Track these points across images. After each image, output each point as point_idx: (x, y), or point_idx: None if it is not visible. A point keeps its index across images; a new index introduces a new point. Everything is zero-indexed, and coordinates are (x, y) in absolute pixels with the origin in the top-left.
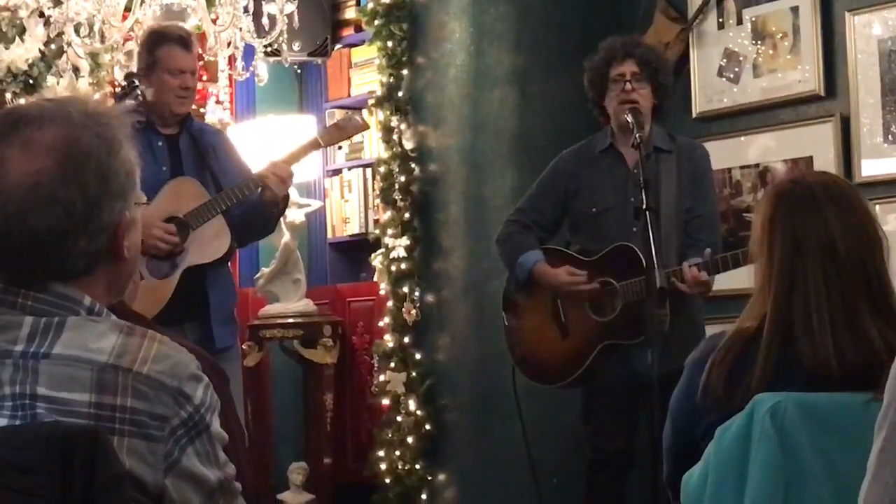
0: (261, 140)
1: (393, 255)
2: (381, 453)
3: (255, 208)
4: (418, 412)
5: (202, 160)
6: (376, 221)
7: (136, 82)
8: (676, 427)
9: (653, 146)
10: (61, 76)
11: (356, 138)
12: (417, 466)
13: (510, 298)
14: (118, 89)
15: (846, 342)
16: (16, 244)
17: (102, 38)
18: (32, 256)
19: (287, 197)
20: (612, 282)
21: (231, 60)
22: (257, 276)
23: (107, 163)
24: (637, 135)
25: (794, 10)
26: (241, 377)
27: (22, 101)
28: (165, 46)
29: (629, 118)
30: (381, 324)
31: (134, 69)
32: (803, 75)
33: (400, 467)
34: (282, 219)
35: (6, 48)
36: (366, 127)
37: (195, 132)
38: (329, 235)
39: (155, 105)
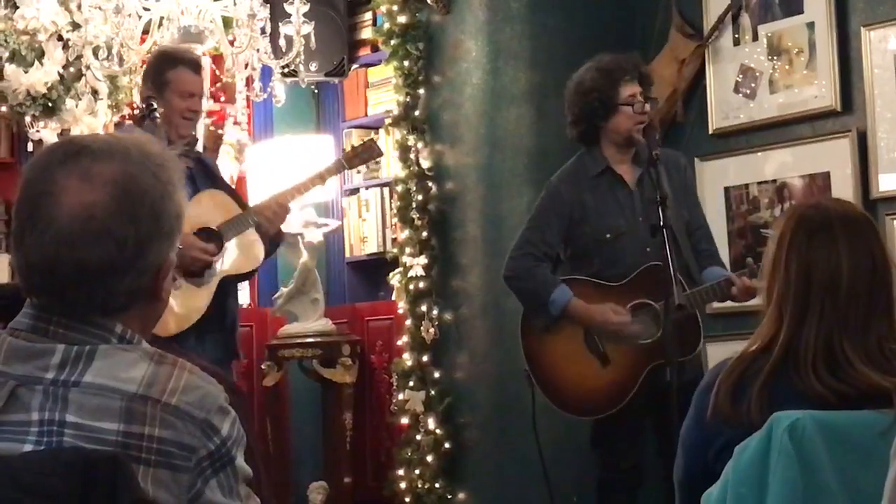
0: (279, 160)
1: (411, 273)
2: (401, 472)
3: None
4: (437, 430)
5: (213, 180)
6: (394, 240)
7: (155, 105)
8: (688, 457)
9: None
10: (80, 99)
11: None
12: (437, 485)
13: (533, 335)
14: (136, 112)
15: (828, 377)
16: (63, 273)
17: (121, 61)
18: (77, 288)
19: (280, 233)
20: (651, 303)
21: (249, 81)
22: (276, 295)
23: (161, 204)
24: (655, 153)
25: (810, 25)
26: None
27: (41, 124)
28: (178, 69)
29: (641, 137)
30: (399, 342)
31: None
32: (819, 91)
33: (419, 486)
34: (300, 238)
35: (25, 71)
36: (378, 153)
37: (195, 155)
38: (347, 255)
39: (161, 125)
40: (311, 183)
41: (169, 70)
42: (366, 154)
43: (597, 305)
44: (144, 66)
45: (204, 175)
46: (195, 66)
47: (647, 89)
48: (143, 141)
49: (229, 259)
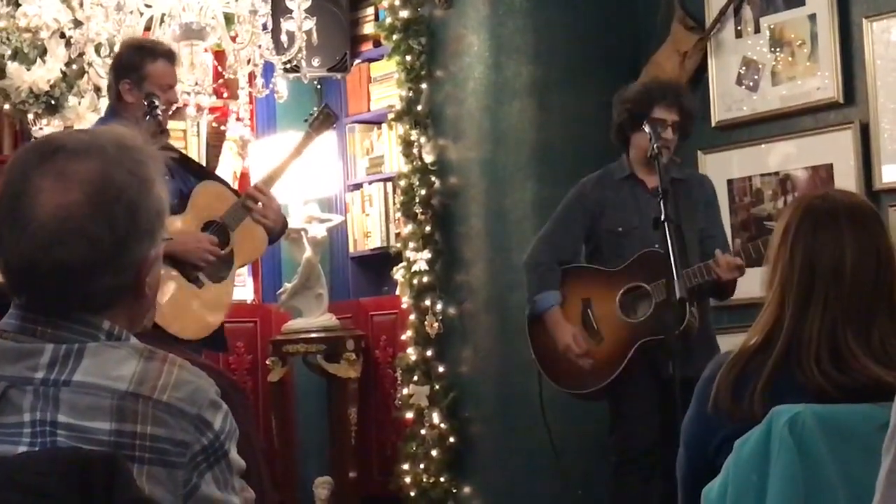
0: (282, 156)
1: (415, 268)
2: (406, 466)
3: None
4: (442, 425)
5: (197, 172)
6: (398, 235)
7: (156, 101)
8: (690, 451)
9: (669, 177)
10: (83, 96)
11: (377, 151)
12: (442, 479)
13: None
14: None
15: (831, 370)
16: (41, 273)
17: None
18: (56, 288)
19: (285, 223)
20: (643, 285)
21: (251, 78)
22: (280, 291)
23: (138, 201)
24: (655, 145)
25: (812, 17)
26: None
27: (44, 121)
28: (158, 62)
29: (647, 129)
30: (403, 337)
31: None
32: (822, 82)
33: (425, 480)
34: (304, 234)
35: (28, 69)
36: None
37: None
38: (351, 250)
39: (163, 121)
40: (291, 159)
41: (149, 64)
42: (327, 121)
43: (567, 327)
44: (116, 58)
45: (185, 170)
46: (173, 57)
47: (683, 120)
48: (121, 136)
49: (240, 247)
